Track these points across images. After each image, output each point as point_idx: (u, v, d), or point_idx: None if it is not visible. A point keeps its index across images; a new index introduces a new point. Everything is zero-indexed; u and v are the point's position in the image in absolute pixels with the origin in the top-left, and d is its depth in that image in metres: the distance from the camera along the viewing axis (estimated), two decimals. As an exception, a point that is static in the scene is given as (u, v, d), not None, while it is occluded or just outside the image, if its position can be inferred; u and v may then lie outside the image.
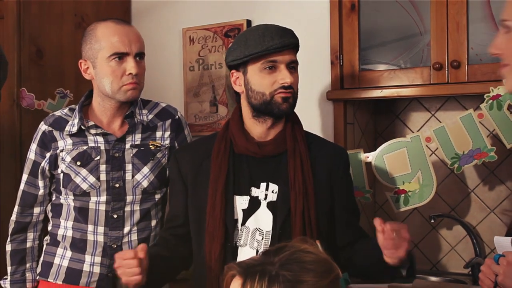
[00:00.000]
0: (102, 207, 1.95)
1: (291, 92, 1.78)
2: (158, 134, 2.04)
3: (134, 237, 1.98)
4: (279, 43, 1.75)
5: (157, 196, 2.02)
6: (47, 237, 2.06)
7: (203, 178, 1.83)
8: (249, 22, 2.75)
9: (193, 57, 2.90)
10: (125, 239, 1.96)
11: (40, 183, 2.03)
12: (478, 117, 2.09)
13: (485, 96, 2.07)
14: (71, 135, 2.00)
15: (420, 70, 2.27)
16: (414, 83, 2.26)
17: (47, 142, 2.02)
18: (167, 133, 2.04)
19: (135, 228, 1.98)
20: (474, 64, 2.18)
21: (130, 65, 1.92)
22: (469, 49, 2.18)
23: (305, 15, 2.61)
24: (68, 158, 1.97)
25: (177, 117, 2.09)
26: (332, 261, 1.24)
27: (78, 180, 1.96)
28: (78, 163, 1.96)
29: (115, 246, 1.95)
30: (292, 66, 1.81)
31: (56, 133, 2.01)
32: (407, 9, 2.34)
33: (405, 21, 2.34)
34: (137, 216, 1.98)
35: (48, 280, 2.00)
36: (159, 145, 2.02)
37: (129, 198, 1.97)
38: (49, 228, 2.06)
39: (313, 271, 1.19)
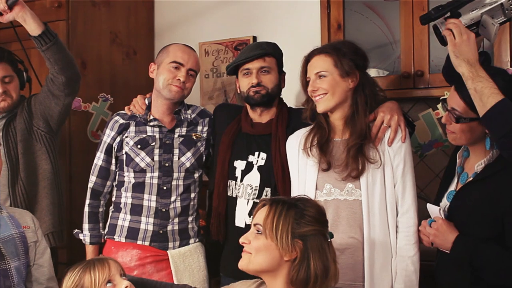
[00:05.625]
0: (155, 181, 2.42)
1: (261, 88, 2.32)
2: (199, 128, 2.53)
3: (178, 204, 2.44)
4: (244, 56, 2.35)
5: (196, 175, 2.50)
6: (112, 207, 2.52)
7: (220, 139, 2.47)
8: (255, 38, 3.12)
9: (208, 66, 3.27)
10: (172, 206, 2.43)
11: (113, 161, 2.50)
12: (435, 114, 2.50)
13: (440, 99, 2.36)
14: (135, 125, 2.47)
15: (392, 78, 2.62)
16: (387, 88, 2.55)
17: (117, 129, 2.48)
18: (206, 128, 2.54)
19: (179, 198, 2.44)
20: (434, 73, 2.52)
21: (181, 73, 2.42)
22: (430, 61, 2.53)
23: (300, 32, 3.00)
24: (131, 142, 2.44)
25: (213, 117, 2.58)
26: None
27: (137, 159, 2.42)
28: (139, 146, 2.43)
29: (164, 210, 2.42)
30: (265, 70, 2.35)
31: (125, 123, 2.49)
32: (382, 29, 2.72)
33: (380, 38, 2.71)
34: (180, 189, 2.44)
35: (114, 237, 2.45)
36: (199, 136, 2.51)
37: (175, 175, 2.44)
38: (113, 198, 2.52)
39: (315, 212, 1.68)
